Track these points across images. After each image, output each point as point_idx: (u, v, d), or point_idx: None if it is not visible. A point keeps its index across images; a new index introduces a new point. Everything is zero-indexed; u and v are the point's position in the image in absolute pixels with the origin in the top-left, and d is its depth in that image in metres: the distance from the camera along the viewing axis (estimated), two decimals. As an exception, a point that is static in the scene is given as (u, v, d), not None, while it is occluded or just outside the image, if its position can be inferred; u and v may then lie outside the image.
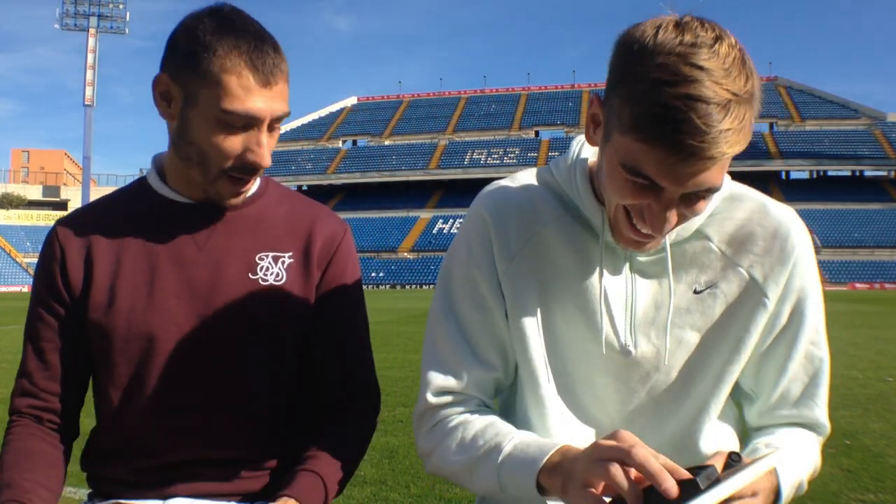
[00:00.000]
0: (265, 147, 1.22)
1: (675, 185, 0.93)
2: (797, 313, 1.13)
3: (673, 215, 0.98)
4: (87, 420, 1.34)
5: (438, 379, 1.17)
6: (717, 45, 0.90)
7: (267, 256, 1.34)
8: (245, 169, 1.24)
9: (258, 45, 1.19)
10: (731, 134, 0.89)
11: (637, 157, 0.94)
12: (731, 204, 1.14)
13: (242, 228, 1.35)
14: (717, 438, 1.15)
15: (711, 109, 0.87)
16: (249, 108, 1.17)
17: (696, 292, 1.12)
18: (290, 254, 1.35)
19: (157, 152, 1.39)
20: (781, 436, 1.14)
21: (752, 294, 1.11)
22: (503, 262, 1.16)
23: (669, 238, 1.10)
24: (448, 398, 1.17)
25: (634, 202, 0.99)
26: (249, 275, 1.31)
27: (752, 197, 1.16)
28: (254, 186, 1.34)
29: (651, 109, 0.90)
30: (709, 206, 1.11)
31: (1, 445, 1.29)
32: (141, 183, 1.38)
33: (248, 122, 1.19)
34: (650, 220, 0.99)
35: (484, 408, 1.19)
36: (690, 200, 0.97)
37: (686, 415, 1.14)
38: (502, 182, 1.23)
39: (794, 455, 1.09)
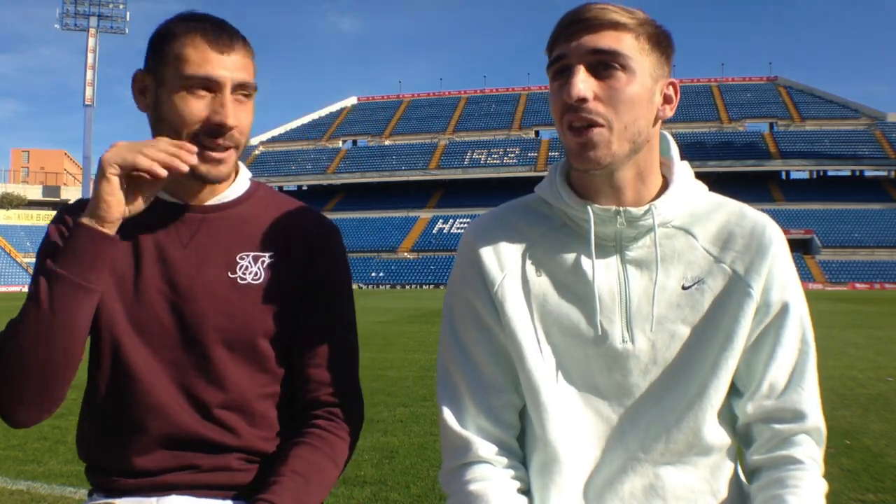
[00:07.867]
0: (229, 108, 1.27)
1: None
2: (783, 303, 1.19)
3: (577, 81, 1.11)
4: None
5: (455, 438, 1.21)
6: None
7: (247, 256, 1.37)
8: (212, 130, 1.27)
9: (216, 24, 1.31)
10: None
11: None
12: (713, 208, 1.24)
13: (226, 229, 1.38)
14: (719, 433, 1.19)
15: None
16: (208, 72, 1.26)
17: (684, 288, 1.19)
18: (271, 254, 1.38)
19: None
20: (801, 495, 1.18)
21: (737, 287, 1.18)
22: (494, 280, 1.22)
23: (657, 220, 1.19)
24: (463, 458, 1.20)
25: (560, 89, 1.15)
26: (228, 273, 1.35)
27: (731, 203, 1.26)
28: (230, 162, 1.34)
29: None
30: (693, 206, 1.23)
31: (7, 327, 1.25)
32: None
33: (210, 86, 1.27)
34: (566, 92, 1.12)
35: (497, 465, 1.20)
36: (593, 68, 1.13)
37: (688, 403, 1.18)
38: (486, 212, 1.31)
39: None
